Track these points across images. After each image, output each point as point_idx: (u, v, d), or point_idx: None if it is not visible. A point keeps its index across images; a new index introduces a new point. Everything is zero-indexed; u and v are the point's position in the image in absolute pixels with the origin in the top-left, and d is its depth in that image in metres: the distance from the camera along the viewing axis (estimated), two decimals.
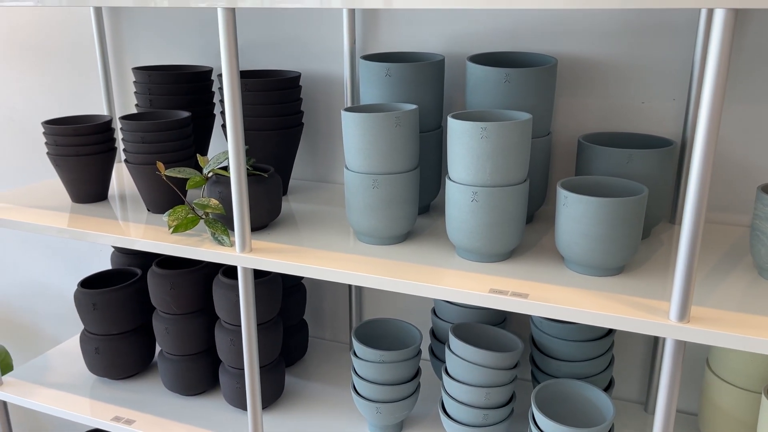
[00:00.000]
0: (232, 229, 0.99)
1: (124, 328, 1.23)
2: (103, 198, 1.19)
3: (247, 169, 0.97)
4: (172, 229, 0.96)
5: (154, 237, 1.00)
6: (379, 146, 0.92)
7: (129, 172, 1.09)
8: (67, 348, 1.42)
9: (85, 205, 1.17)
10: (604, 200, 0.81)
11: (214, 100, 1.30)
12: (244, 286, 0.96)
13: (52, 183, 1.31)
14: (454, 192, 0.89)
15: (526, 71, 0.95)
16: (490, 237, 0.88)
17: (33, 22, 1.47)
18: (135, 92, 1.23)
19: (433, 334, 1.18)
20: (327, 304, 1.41)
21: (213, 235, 0.97)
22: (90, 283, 1.26)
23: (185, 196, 1.06)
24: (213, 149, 1.37)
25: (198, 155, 1.02)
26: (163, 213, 1.10)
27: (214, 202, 0.97)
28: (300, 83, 1.19)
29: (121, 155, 1.43)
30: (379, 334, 1.14)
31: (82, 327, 1.68)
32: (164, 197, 1.09)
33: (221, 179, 0.99)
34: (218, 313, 1.13)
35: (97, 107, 1.48)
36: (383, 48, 1.19)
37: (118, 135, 1.43)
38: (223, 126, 1.19)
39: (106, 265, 1.60)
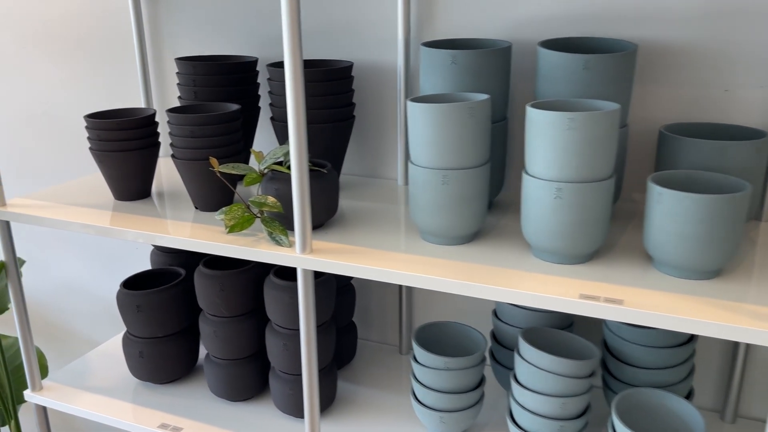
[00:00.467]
0: (290, 229, 0.93)
1: (169, 330, 1.18)
2: (146, 195, 1.14)
3: None
4: (228, 229, 0.91)
5: (206, 237, 0.95)
6: (450, 139, 0.85)
7: (176, 168, 1.03)
8: (107, 350, 1.37)
9: (129, 202, 1.12)
10: (707, 197, 0.74)
11: (260, 92, 1.24)
12: (304, 289, 0.91)
13: (91, 180, 1.26)
14: (535, 188, 0.82)
15: (607, 57, 0.88)
16: (574, 237, 0.81)
17: (67, 13, 1.42)
18: (178, 84, 1.17)
19: (494, 337, 1.11)
20: (374, 305, 1.35)
21: (270, 234, 0.91)
22: (132, 283, 1.21)
23: (236, 193, 1.01)
24: (258, 143, 1.31)
25: (253, 150, 0.96)
26: (213, 210, 1.04)
27: (271, 200, 0.91)
28: (352, 73, 1.13)
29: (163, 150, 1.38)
30: (437, 339, 1.08)
31: (117, 328, 1.64)
32: (214, 194, 1.03)
33: (278, 176, 0.93)
34: (270, 315, 1.07)
35: (131, 100, 1.42)
36: (439, 35, 1.13)
37: (164, 129, 1.38)
38: (272, 119, 1.13)
39: (142, 264, 1.55)
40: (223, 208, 0.93)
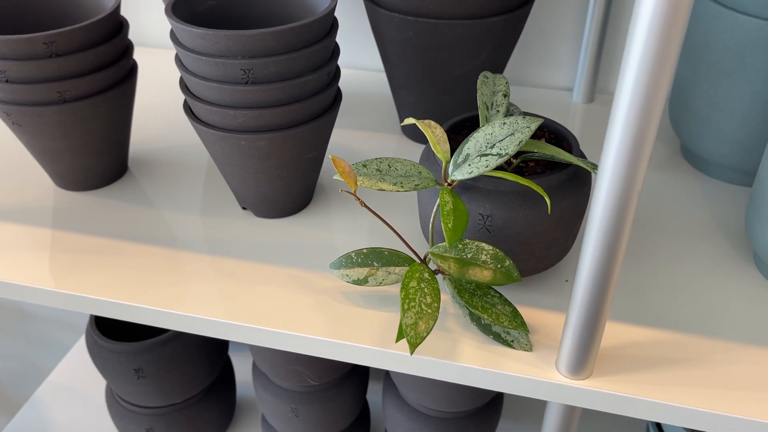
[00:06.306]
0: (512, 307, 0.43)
1: (190, 392, 0.68)
2: (120, 175, 0.56)
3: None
4: (409, 337, 0.38)
5: (339, 331, 0.42)
6: None
7: (202, 137, 0.47)
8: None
9: (91, 193, 0.55)
10: None
11: None
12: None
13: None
14: None
15: None
16: None
17: None
18: None
19: None
20: None
21: (480, 322, 0.40)
22: (108, 324, 0.68)
23: (386, 222, 0.47)
24: None
25: (423, 124, 0.40)
26: (282, 216, 0.50)
27: (489, 248, 0.39)
28: None
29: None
30: None
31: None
32: (293, 190, 0.49)
33: (497, 187, 0.40)
34: (402, 388, 0.59)
35: None
36: None
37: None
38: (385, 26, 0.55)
39: None
40: (358, 264, 0.40)
